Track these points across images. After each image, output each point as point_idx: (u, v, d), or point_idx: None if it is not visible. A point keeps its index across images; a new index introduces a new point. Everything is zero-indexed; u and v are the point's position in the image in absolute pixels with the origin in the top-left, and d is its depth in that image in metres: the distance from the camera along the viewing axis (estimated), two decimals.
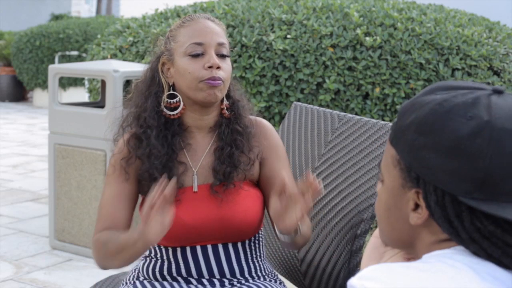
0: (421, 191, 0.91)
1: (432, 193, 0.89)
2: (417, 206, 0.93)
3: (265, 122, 1.75)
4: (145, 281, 1.64)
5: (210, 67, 1.59)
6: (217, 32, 1.64)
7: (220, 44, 1.63)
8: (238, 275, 1.64)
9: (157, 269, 1.65)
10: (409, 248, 0.99)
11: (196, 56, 1.60)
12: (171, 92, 1.65)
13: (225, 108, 1.67)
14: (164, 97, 1.64)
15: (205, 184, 1.64)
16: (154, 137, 1.62)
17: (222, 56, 1.63)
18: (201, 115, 1.65)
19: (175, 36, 1.65)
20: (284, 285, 1.71)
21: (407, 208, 0.94)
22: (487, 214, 0.87)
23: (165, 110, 1.64)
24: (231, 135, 1.66)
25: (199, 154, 1.67)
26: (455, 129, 0.87)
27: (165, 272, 1.64)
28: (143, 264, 1.70)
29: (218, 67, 1.59)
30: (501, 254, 0.87)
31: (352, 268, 1.70)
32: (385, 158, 0.98)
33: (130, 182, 1.65)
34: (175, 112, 1.64)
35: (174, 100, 1.64)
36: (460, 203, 0.88)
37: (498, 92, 0.90)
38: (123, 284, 1.69)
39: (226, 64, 1.63)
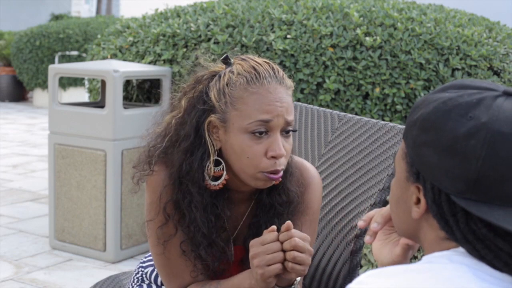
0: (421, 187, 0.92)
1: (429, 191, 0.91)
2: (419, 200, 0.94)
3: (311, 176, 1.52)
4: (151, 284, 1.62)
5: (273, 157, 1.34)
6: (288, 107, 1.35)
7: (289, 123, 1.36)
8: None
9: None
10: (416, 240, 1.01)
11: (259, 134, 1.33)
12: (216, 158, 1.38)
13: None
14: (211, 164, 1.37)
15: (238, 253, 1.49)
16: (199, 216, 1.38)
17: (287, 133, 1.37)
18: (245, 183, 1.40)
19: (236, 100, 1.34)
20: None
21: (410, 201, 0.96)
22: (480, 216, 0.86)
23: (207, 178, 1.38)
24: (272, 208, 1.44)
25: (237, 221, 1.48)
26: (454, 129, 0.88)
27: None
28: (151, 271, 1.64)
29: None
30: (493, 257, 0.86)
31: (352, 268, 1.70)
32: (398, 151, 1.00)
33: (175, 231, 1.42)
34: (217, 183, 1.38)
35: (218, 167, 1.38)
36: (455, 203, 0.88)
37: (508, 94, 0.90)
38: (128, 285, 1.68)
39: (289, 144, 1.38)
